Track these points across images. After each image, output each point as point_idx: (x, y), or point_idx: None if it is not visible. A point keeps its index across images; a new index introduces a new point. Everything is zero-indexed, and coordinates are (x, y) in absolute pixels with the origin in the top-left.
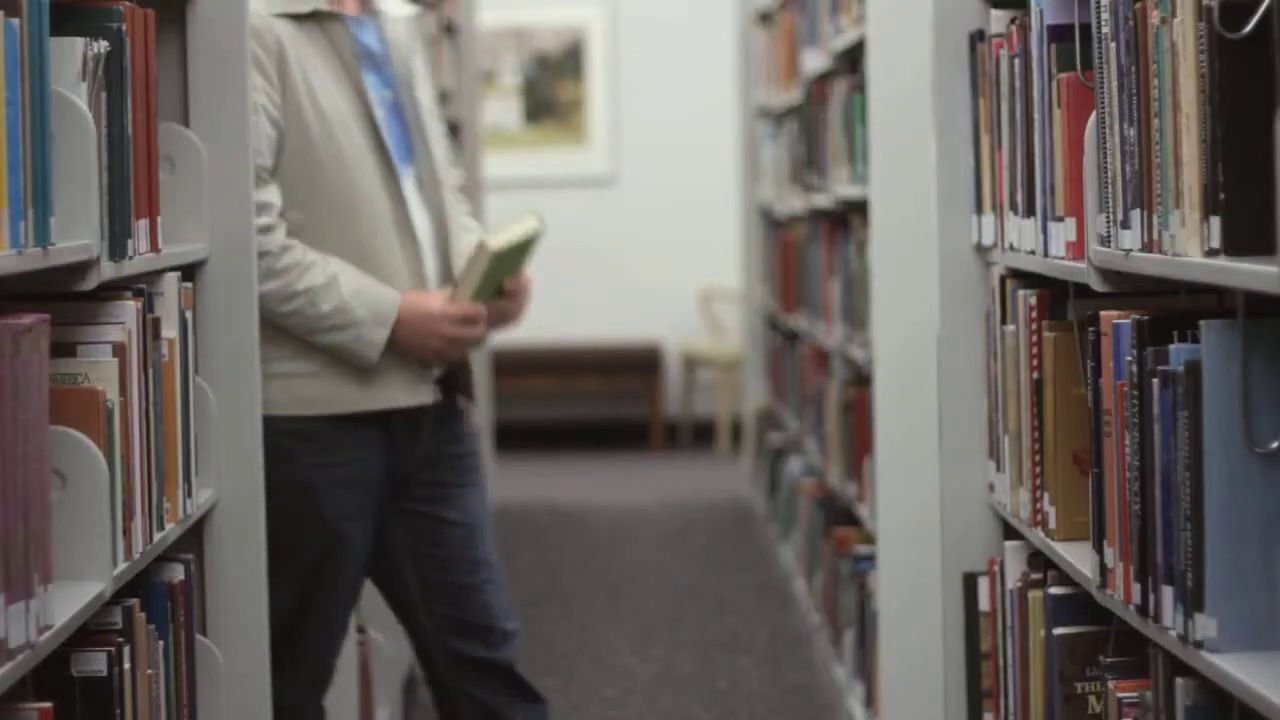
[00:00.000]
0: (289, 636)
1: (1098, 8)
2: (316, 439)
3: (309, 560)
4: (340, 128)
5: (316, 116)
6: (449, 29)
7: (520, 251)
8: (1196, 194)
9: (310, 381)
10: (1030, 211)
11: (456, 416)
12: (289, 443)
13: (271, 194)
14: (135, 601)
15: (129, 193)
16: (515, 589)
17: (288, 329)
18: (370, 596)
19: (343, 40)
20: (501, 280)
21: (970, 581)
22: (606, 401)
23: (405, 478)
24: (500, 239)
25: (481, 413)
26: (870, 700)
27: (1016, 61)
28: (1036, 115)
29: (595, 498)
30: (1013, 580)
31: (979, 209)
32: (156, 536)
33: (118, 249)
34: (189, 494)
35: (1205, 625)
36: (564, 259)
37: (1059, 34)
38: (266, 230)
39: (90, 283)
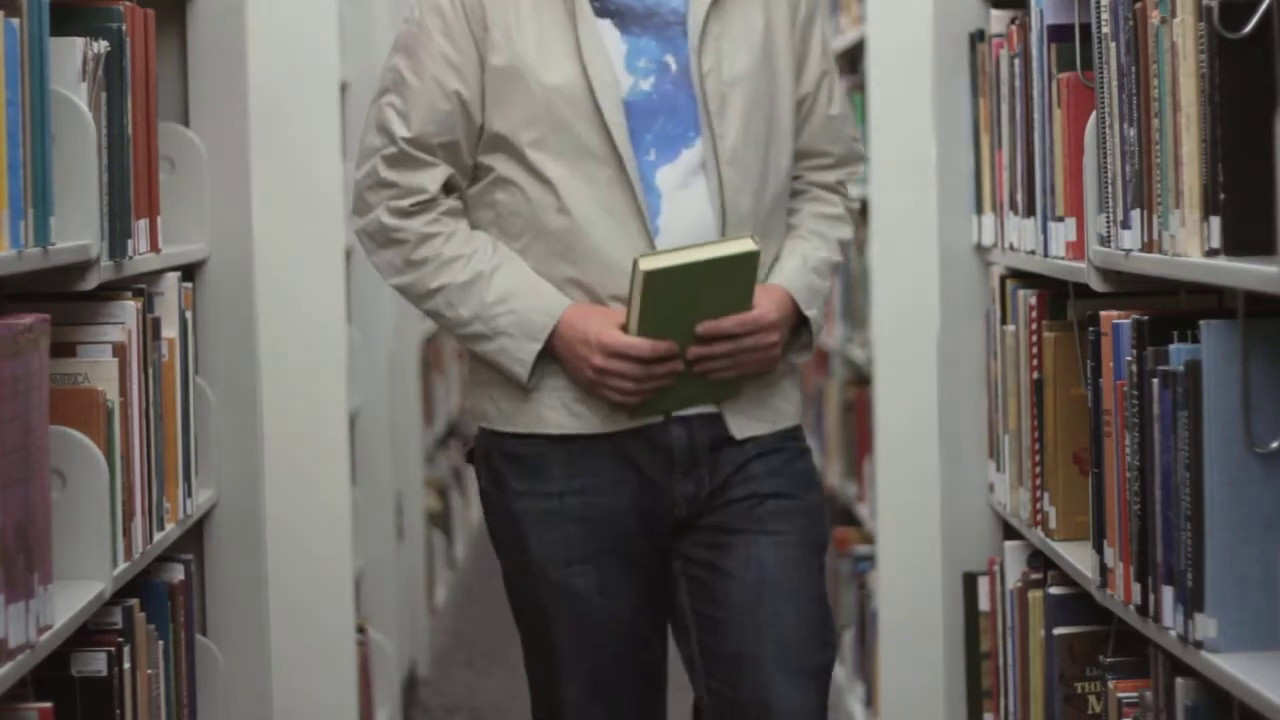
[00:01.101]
0: (553, 702)
1: (1098, 8)
2: (525, 461)
3: (531, 608)
4: (551, 101)
5: (521, 89)
6: None
7: (719, 275)
8: (1196, 194)
9: (510, 392)
10: (1030, 211)
11: (757, 452)
12: (498, 463)
13: (425, 177)
14: (135, 601)
15: (129, 193)
16: None
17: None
18: (370, 595)
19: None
20: (700, 312)
21: (970, 581)
22: None
23: (676, 523)
24: (668, 257)
25: None
26: (870, 700)
27: (1016, 61)
28: (1036, 115)
29: None
30: (1013, 580)
31: (979, 209)
32: (156, 536)
33: (118, 249)
34: (189, 494)
35: (1205, 625)
36: None
37: (1059, 34)
38: (405, 214)
39: (90, 283)
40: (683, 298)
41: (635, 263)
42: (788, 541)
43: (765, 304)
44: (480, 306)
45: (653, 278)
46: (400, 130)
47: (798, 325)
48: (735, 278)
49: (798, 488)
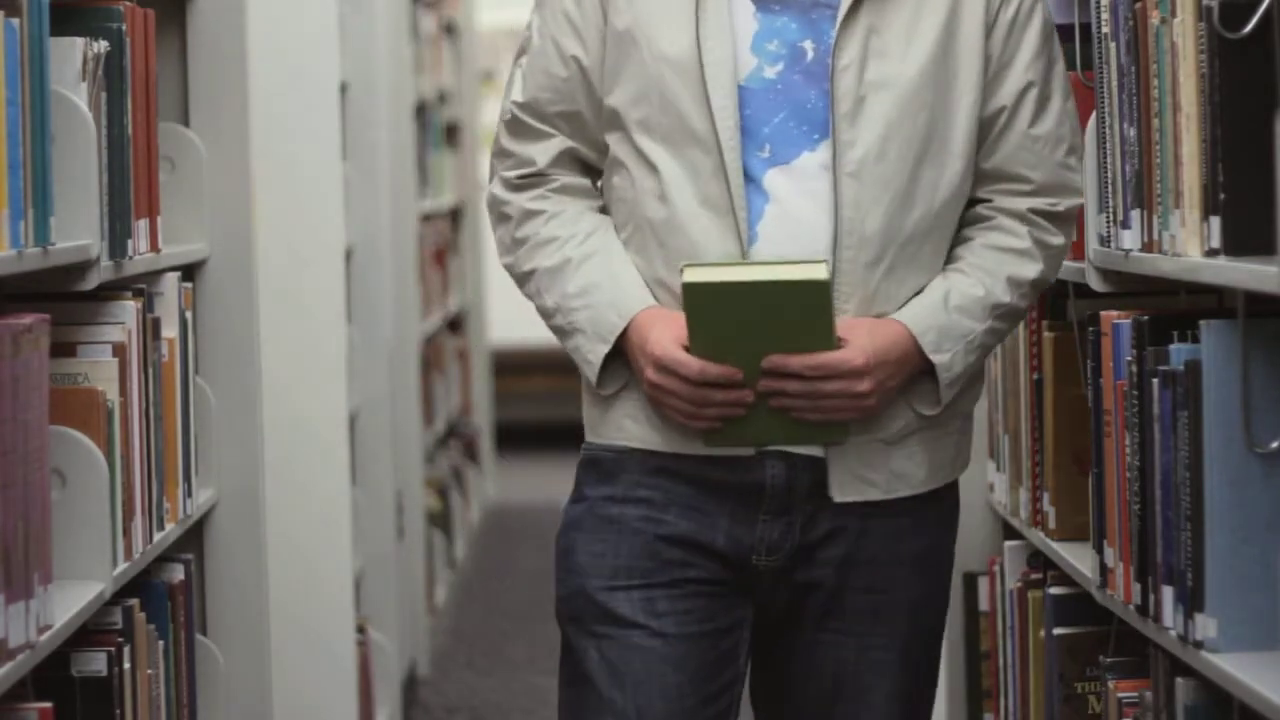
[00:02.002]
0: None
1: (1098, 8)
2: (602, 465)
3: (567, 638)
4: (662, 74)
5: (634, 58)
6: (449, 29)
7: (782, 302)
8: (1196, 194)
9: (596, 398)
10: None
11: (862, 524)
12: (580, 473)
13: (537, 148)
14: (135, 601)
15: (129, 193)
16: (515, 589)
17: None
18: (370, 595)
19: None
20: (771, 340)
21: (970, 581)
22: None
23: (755, 575)
24: (718, 271)
25: (481, 413)
26: None
27: None
28: None
29: None
30: (1013, 580)
31: None
32: (156, 536)
33: (118, 249)
34: (189, 494)
35: (1205, 625)
36: None
37: (1059, 34)
38: (514, 188)
39: (90, 283)
40: (740, 320)
41: (682, 270)
42: (874, 644)
43: (858, 344)
44: (562, 297)
45: (694, 292)
46: (516, 94)
47: (931, 369)
48: (804, 308)
49: (901, 578)
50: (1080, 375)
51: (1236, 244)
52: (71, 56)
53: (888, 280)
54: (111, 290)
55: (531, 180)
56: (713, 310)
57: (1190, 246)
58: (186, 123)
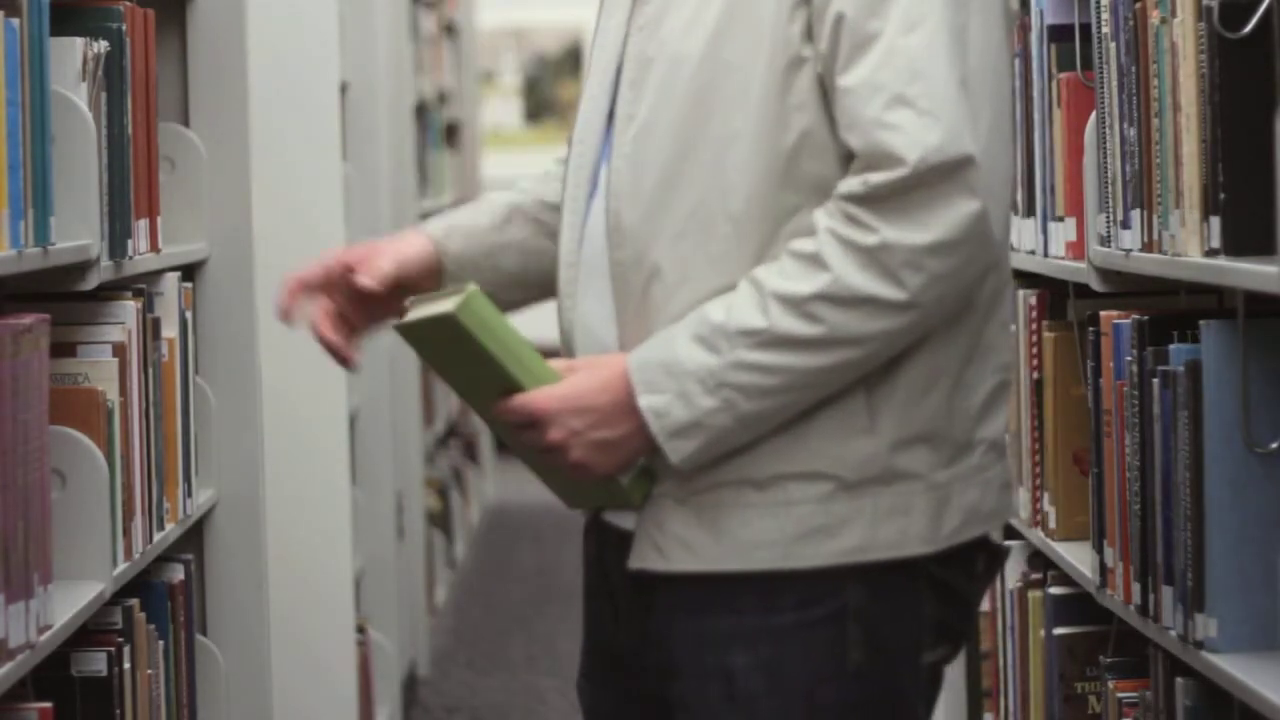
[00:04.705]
0: None
1: (1098, 8)
2: None
3: None
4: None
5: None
6: (449, 29)
7: (457, 338)
8: (1196, 194)
9: None
10: (1030, 211)
11: (661, 603)
12: None
13: None
14: (135, 601)
15: (129, 193)
16: (515, 589)
17: None
18: (370, 595)
19: None
20: (491, 386)
21: None
22: None
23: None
24: (421, 306)
25: None
26: None
27: (1016, 61)
28: (1036, 115)
29: None
30: (1013, 580)
31: None
32: (156, 536)
33: (118, 249)
34: (189, 494)
35: (1205, 625)
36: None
37: (1059, 34)
38: None
39: (90, 283)
40: (454, 363)
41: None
42: None
43: (556, 385)
44: None
45: (399, 329)
46: None
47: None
48: (469, 345)
49: (701, 695)
50: (1080, 375)
51: (1236, 244)
52: (71, 56)
53: (656, 287)
54: (111, 290)
55: None
56: (428, 349)
57: (1190, 246)
58: (186, 123)
